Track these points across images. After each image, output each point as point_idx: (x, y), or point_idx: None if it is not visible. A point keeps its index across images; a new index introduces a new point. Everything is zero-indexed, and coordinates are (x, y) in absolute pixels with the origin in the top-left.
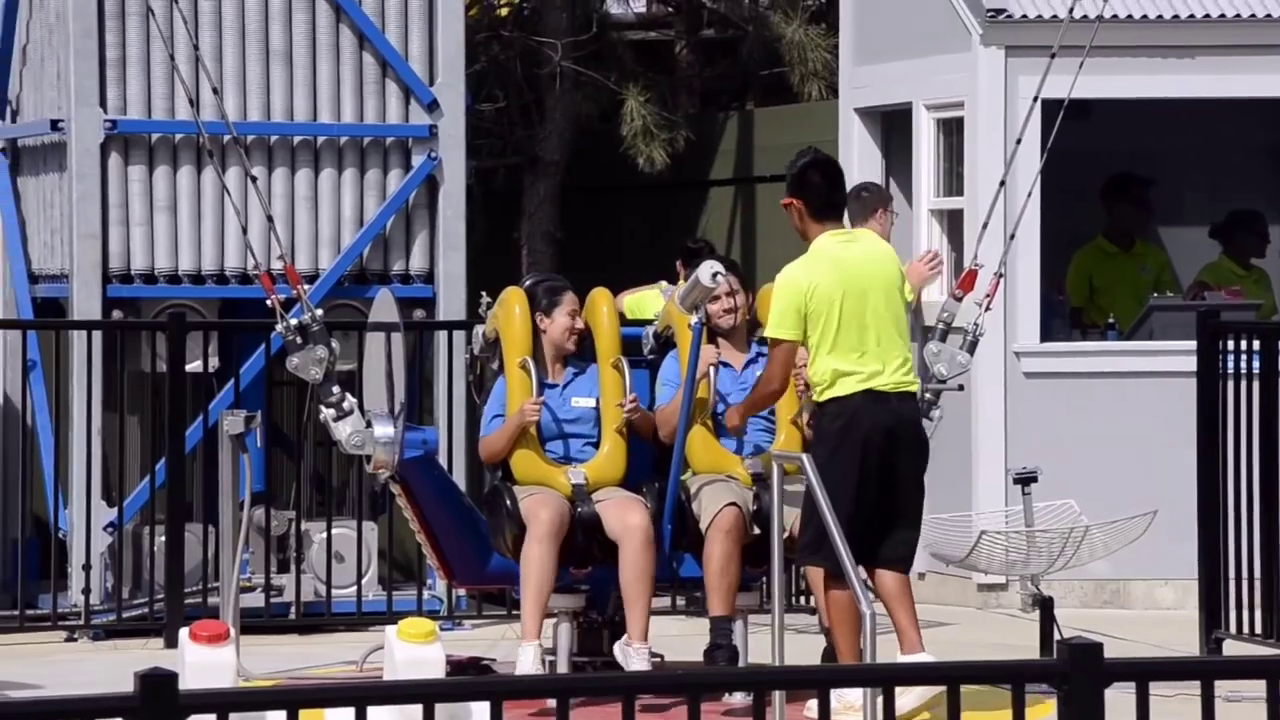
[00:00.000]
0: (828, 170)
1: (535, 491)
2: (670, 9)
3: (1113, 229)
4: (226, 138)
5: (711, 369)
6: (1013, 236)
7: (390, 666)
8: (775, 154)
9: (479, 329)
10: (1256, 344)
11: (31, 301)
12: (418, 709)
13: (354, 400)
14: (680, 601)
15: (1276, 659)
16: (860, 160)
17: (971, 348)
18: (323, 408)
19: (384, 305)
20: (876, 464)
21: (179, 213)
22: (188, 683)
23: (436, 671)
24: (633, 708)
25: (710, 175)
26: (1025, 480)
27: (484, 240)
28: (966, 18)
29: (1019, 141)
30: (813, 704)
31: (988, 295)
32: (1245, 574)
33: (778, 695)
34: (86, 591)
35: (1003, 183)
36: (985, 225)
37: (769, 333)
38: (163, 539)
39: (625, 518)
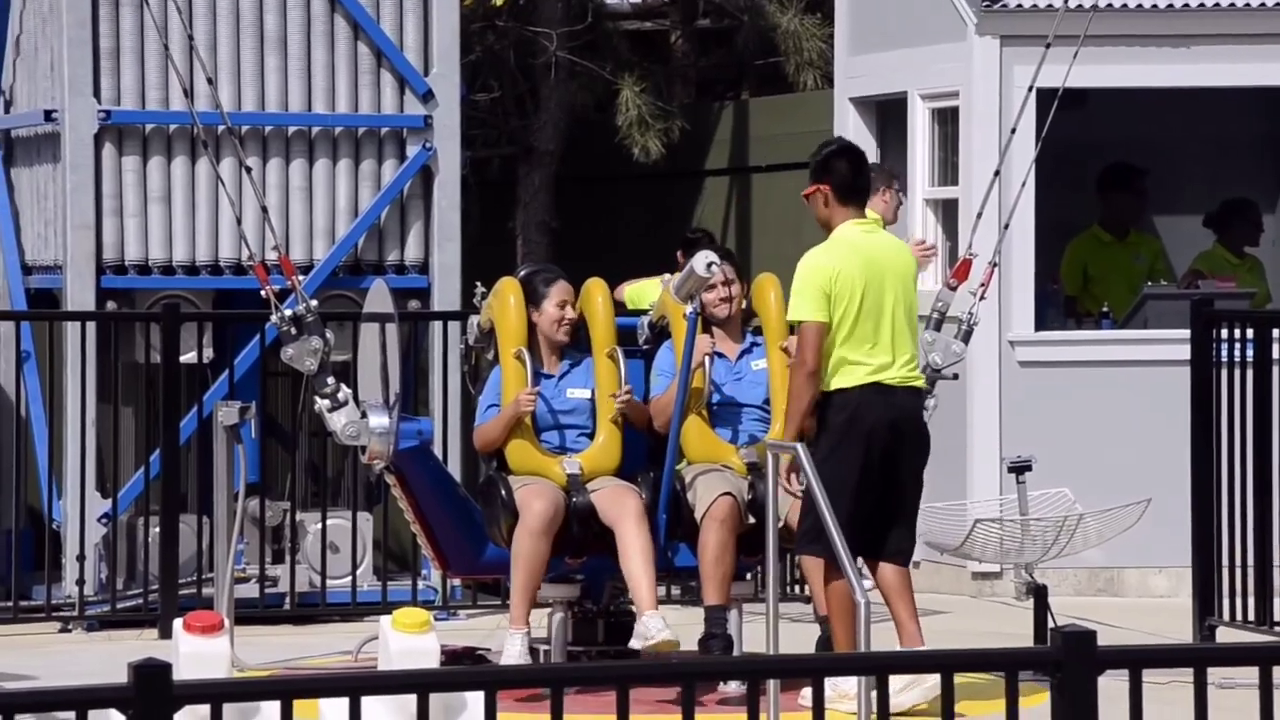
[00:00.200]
0: (853, 157)
1: (530, 482)
2: None
3: (1107, 218)
4: (221, 128)
5: (706, 359)
6: (1007, 226)
7: (385, 657)
8: (770, 144)
9: (474, 319)
10: (1250, 332)
11: (25, 292)
12: (412, 699)
13: (349, 391)
14: (675, 591)
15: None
16: None
17: (966, 337)
18: (317, 398)
19: (379, 296)
20: (880, 458)
21: (173, 203)
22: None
23: (431, 662)
24: (627, 697)
25: (705, 165)
26: (1019, 469)
27: (479, 230)
28: (961, 7)
29: (1014, 131)
30: (807, 692)
31: (982, 284)
32: (1238, 562)
33: (772, 684)
34: (81, 582)
35: (997, 172)
36: (980, 214)
37: (794, 316)
38: (157, 530)
39: (619, 503)
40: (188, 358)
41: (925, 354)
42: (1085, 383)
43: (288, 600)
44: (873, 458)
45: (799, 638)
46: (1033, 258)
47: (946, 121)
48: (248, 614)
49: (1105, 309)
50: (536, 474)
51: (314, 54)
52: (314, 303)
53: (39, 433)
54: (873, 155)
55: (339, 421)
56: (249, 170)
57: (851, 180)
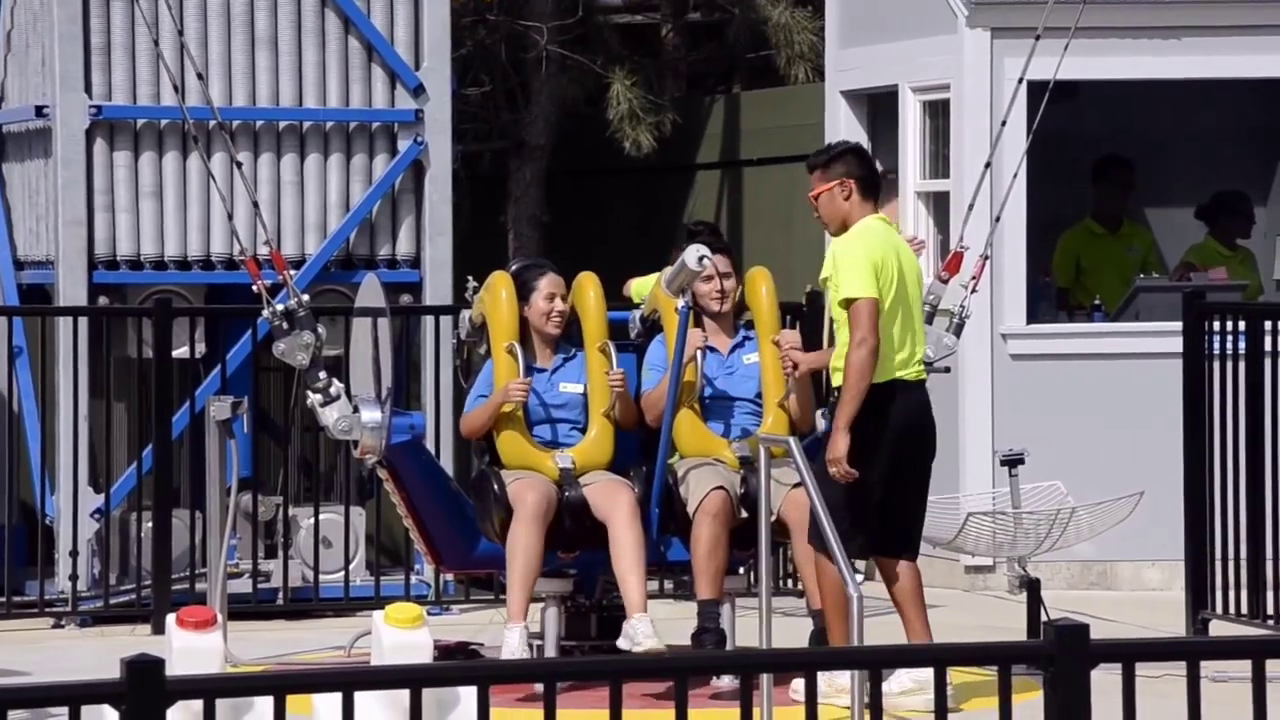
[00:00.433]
0: (867, 154)
1: (522, 475)
2: None
3: (1100, 210)
4: (212, 123)
5: (698, 353)
6: (998, 218)
7: (378, 651)
8: (762, 137)
9: (465, 314)
10: (1242, 325)
11: (17, 288)
12: (405, 694)
13: (341, 385)
14: (668, 585)
15: (1262, 639)
16: None
17: (958, 330)
18: (309, 393)
19: (370, 290)
20: (903, 455)
21: (165, 198)
22: (175, 669)
23: (424, 656)
24: (620, 692)
25: (697, 159)
26: (1012, 462)
27: (470, 225)
28: (952, 0)
29: (1004, 123)
30: (797, 684)
31: (974, 277)
32: (1231, 555)
33: (765, 678)
34: (74, 578)
35: (988, 165)
36: (971, 207)
37: (849, 293)
38: (150, 525)
39: (612, 497)
40: (180, 353)
41: None
42: (1077, 376)
43: (280, 595)
44: (896, 455)
45: (791, 632)
46: (1024, 250)
47: (937, 114)
48: (240, 609)
49: (1097, 301)
50: (529, 468)
51: (305, 49)
52: (306, 297)
53: (31, 428)
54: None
55: (331, 416)
56: (240, 165)
57: (872, 176)
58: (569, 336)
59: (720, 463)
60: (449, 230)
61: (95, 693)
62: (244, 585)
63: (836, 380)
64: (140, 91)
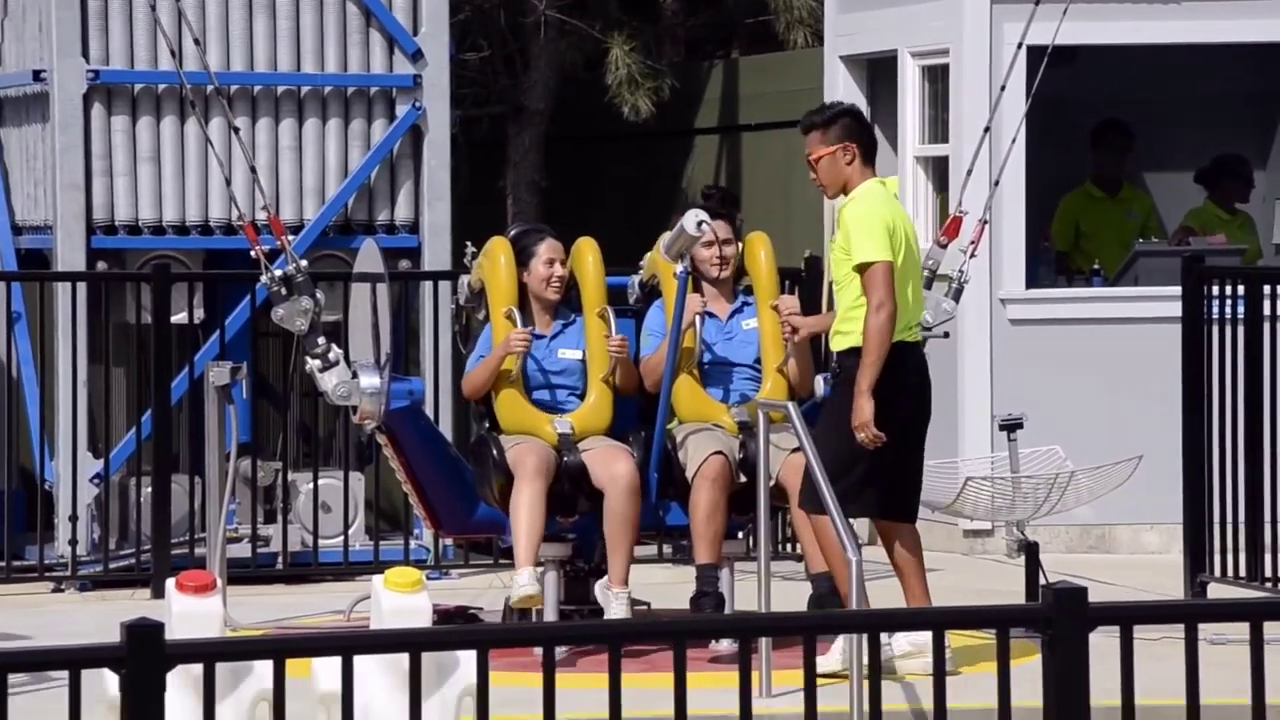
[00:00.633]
0: (865, 117)
1: (521, 440)
2: None
3: (1099, 174)
4: (209, 88)
5: (697, 318)
6: (997, 183)
7: (377, 616)
8: (760, 102)
9: (464, 279)
10: (1241, 289)
11: (15, 253)
12: (404, 658)
13: (339, 351)
14: (667, 550)
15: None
16: None
17: (957, 295)
18: (308, 359)
19: (369, 256)
20: (910, 415)
21: (163, 164)
22: (174, 633)
23: (423, 621)
24: (619, 655)
25: (695, 124)
26: (1011, 426)
27: (469, 190)
28: None
29: (1003, 88)
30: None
31: (973, 242)
32: (1229, 518)
33: (764, 641)
34: (73, 543)
35: (988, 129)
36: (970, 172)
37: (865, 257)
38: (149, 490)
39: (611, 466)
40: (179, 318)
41: None
42: (1076, 340)
43: (280, 560)
44: (906, 414)
45: (791, 596)
46: (1023, 215)
47: (937, 79)
48: (240, 574)
49: (1096, 266)
50: (528, 433)
51: (302, 14)
52: (304, 263)
53: (30, 393)
54: (864, 113)
55: (330, 382)
56: (237, 130)
57: (872, 138)
58: (568, 302)
59: (719, 428)
60: (447, 195)
61: (95, 656)
62: (243, 550)
63: (837, 345)
64: (138, 56)
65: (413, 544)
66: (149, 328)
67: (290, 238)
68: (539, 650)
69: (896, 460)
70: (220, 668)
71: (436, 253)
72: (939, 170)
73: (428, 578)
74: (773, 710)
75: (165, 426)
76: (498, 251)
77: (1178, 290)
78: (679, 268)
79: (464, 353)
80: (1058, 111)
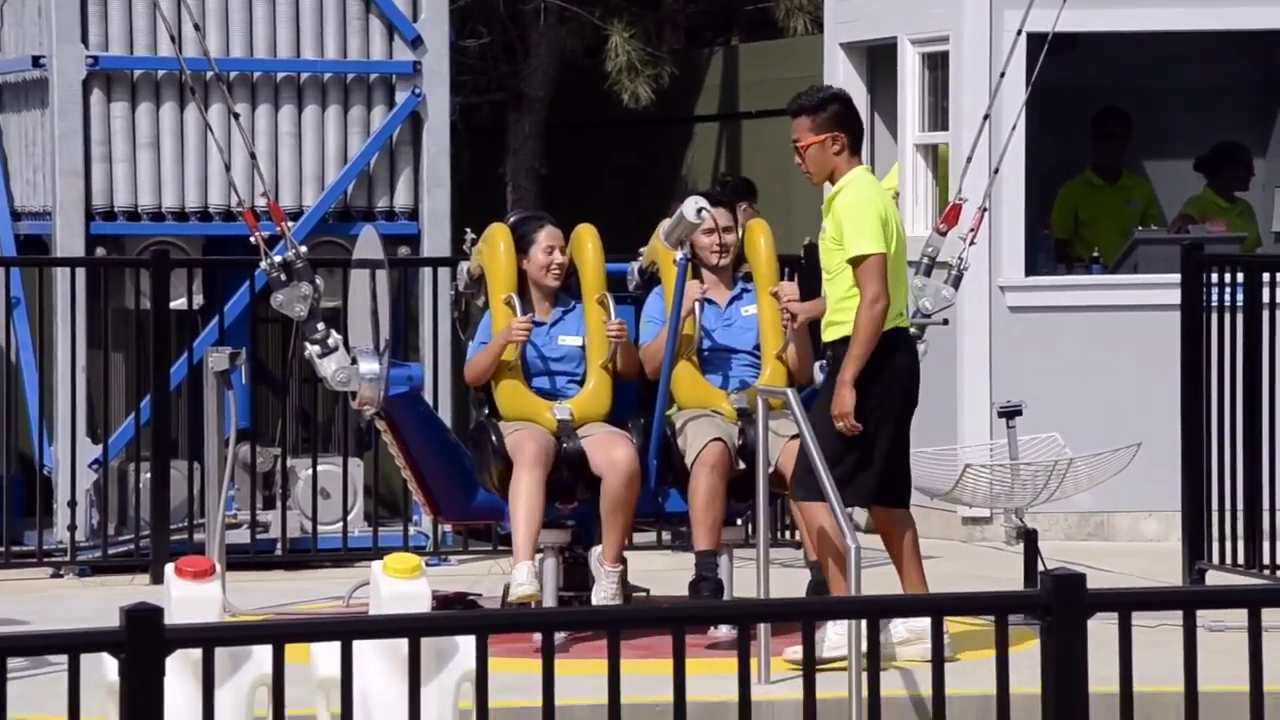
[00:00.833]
0: (854, 104)
1: (520, 427)
2: None
3: (1099, 162)
4: (209, 74)
5: (697, 305)
6: (997, 171)
7: (376, 602)
8: (760, 90)
9: (464, 266)
10: (1240, 277)
11: (15, 239)
12: (403, 643)
13: (339, 337)
14: (666, 536)
15: (1258, 589)
16: None
17: (956, 282)
18: (308, 345)
19: (368, 242)
20: (905, 401)
21: (162, 149)
22: (174, 618)
23: (422, 606)
24: (618, 641)
25: (695, 111)
26: (1010, 413)
27: (468, 177)
28: None
29: (1003, 75)
30: (793, 649)
31: (972, 230)
32: (1228, 505)
33: (763, 628)
34: (72, 528)
35: (987, 116)
36: (969, 159)
37: (860, 250)
38: (148, 476)
39: (610, 452)
40: (178, 304)
41: (915, 299)
42: (1075, 327)
43: (279, 546)
44: (902, 399)
45: (789, 583)
46: (1023, 203)
47: (937, 66)
48: (239, 560)
49: (1096, 254)
50: (527, 420)
51: (302, 0)
52: (303, 249)
53: (29, 379)
54: (863, 101)
55: (329, 367)
56: (237, 116)
57: (860, 128)
58: (567, 289)
59: (718, 414)
60: (447, 182)
61: (94, 641)
62: (242, 536)
63: (830, 335)
64: (137, 42)
65: (412, 530)
66: (148, 313)
67: (290, 224)
68: (538, 636)
69: (890, 447)
70: (219, 653)
71: (436, 239)
72: (939, 157)
73: (427, 564)
74: (771, 696)
75: (164, 412)
76: (497, 238)
77: (1177, 278)
78: (678, 254)
79: (463, 339)
80: (1058, 99)
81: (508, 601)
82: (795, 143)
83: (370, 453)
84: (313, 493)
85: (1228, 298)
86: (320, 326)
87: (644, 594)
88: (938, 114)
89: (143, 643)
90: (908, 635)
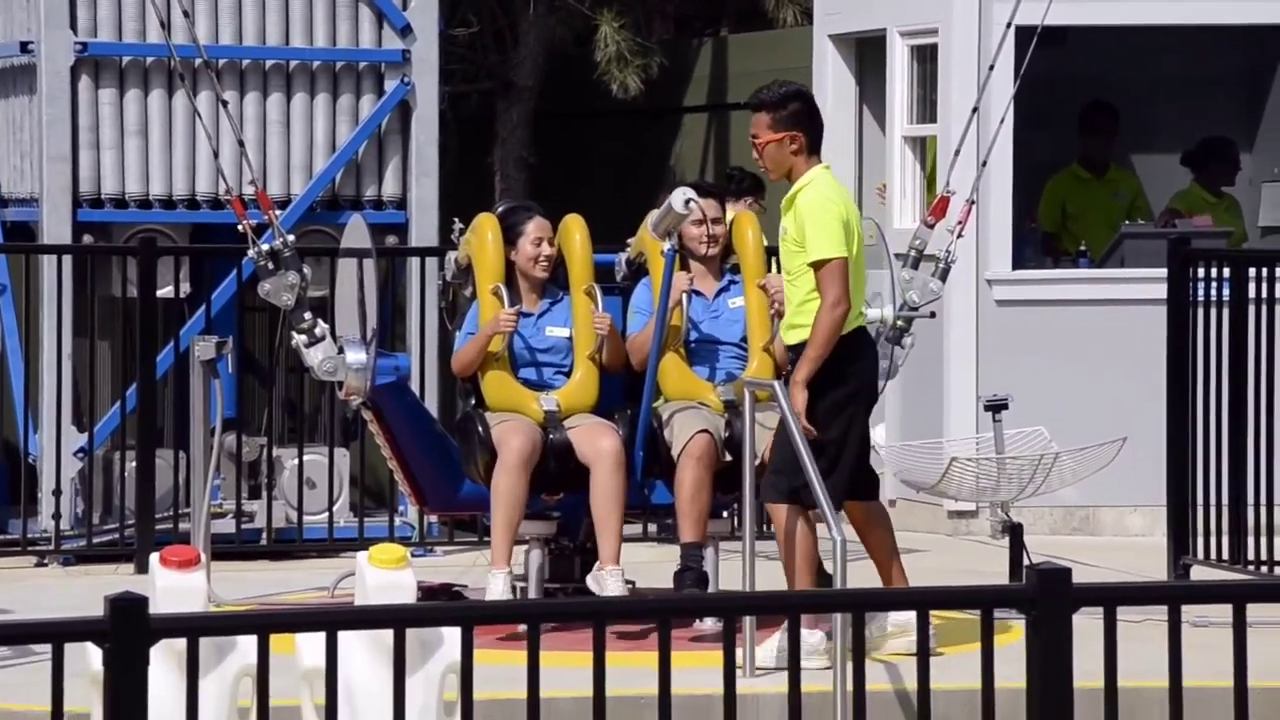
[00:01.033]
0: (816, 106)
1: (507, 418)
2: None
3: (1086, 156)
4: (198, 61)
5: (684, 296)
6: (985, 163)
7: (361, 592)
8: (749, 81)
9: (451, 255)
10: (1226, 271)
11: (1, 225)
12: (389, 634)
13: (326, 326)
14: (651, 528)
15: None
16: (834, 87)
17: (943, 275)
18: (294, 334)
19: (356, 231)
20: (870, 397)
21: (150, 137)
22: (158, 608)
23: (408, 597)
24: (603, 633)
25: (684, 102)
26: (996, 407)
27: (457, 166)
28: None
29: (992, 68)
30: (768, 643)
31: (960, 223)
32: (1213, 500)
33: (748, 621)
34: (57, 517)
35: (976, 109)
36: (958, 152)
37: (822, 254)
38: (133, 464)
39: (596, 442)
40: (164, 292)
41: (903, 292)
42: (1062, 321)
43: (264, 536)
44: (871, 394)
45: (775, 575)
46: (1010, 196)
47: (925, 59)
48: (224, 549)
49: (1083, 248)
50: (514, 410)
51: None
52: (291, 238)
53: (15, 367)
54: (851, 93)
55: (316, 357)
56: (226, 104)
57: (820, 128)
58: (555, 280)
59: (705, 406)
60: (435, 171)
61: (79, 630)
62: (227, 525)
63: (790, 338)
64: (126, 28)
65: (397, 521)
66: (134, 301)
67: (277, 212)
68: (523, 627)
69: (860, 446)
70: (204, 643)
71: (423, 228)
72: (927, 150)
73: (412, 554)
74: (756, 690)
75: (150, 401)
76: (485, 228)
77: (1163, 272)
78: (666, 246)
79: (450, 329)
80: (1046, 92)
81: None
82: (754, 138)
83: (356, 443)
84: (298, 483)
85: (1214, 292)
86: (307, 315)
87: (631, 585)
88: (926, 106)
89: (127, 632)
90: (892, 629)
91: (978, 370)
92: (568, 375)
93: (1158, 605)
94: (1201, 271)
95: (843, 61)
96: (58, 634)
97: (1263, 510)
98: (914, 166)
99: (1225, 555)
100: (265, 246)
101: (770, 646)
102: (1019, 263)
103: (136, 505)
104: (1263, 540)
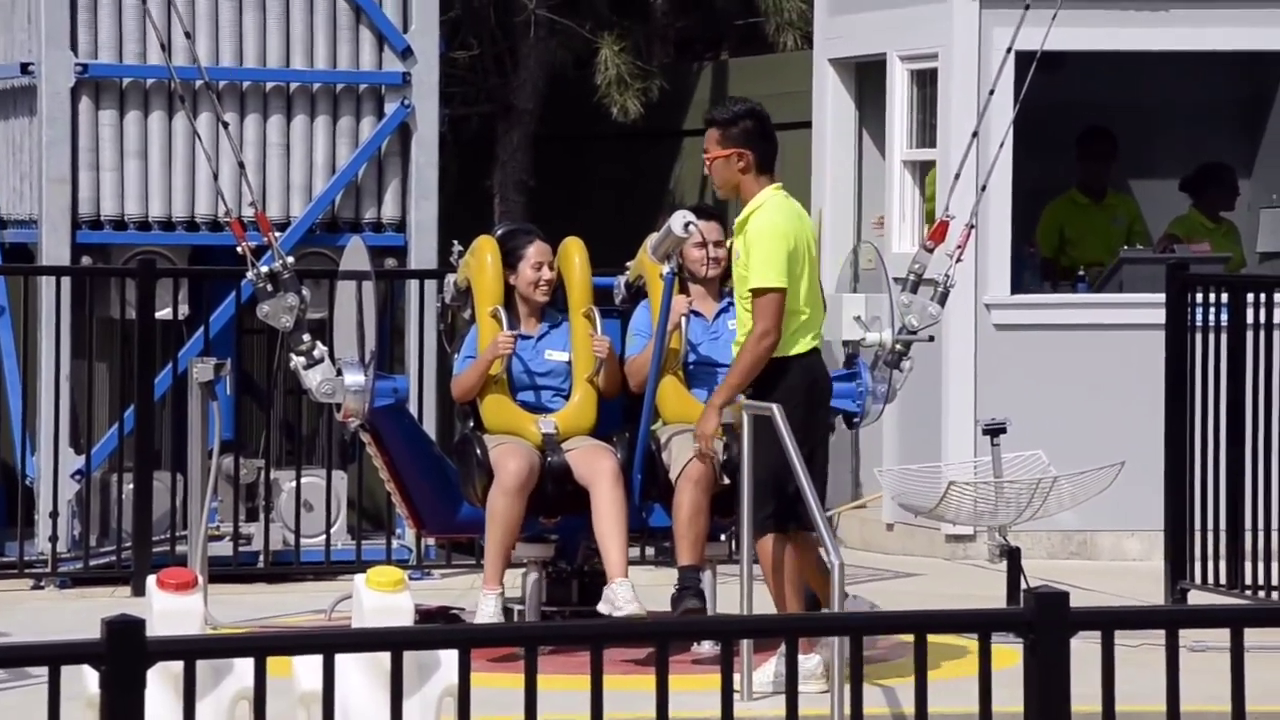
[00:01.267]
0: (770, 126)
1: (505, 441)
2: None
3: (1084, 181)
4: (198, 83)
5: (683, 319)
6: (984, 188)
7: (358, 615)
8: None
9: (450, 278)
10: (1225, 297)
11: (0, 246)
12: (386, 657)
13: (324, 348)
14: (649, 551)
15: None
16: (834, 111)
17: (942, 299)
18: (293, 356)
19: (355, 253)
20: (830, 421)
21: (150, 158)
22: (155, 630)
23: (405, 620)
24: (601, 656)
25: (684, 125)
26: (994, 431)
27: (456, 188)
28: None
29: (992, 93)
30: (766, 666)
31: (959, 246)
32: (1210, 525)
33: (745, 644)
34: (54, 539)
35: (975, 134)
36: (957, 176)
37: (763, 283)
38: (131, 487)
39: (595, 463)
40: (163, 314)
41: (901, 316)
42: (1060, 346)
43: (261, 558)
44: (828, 420)
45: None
46: (1009, 220)
47: (925, 83)
48: (221, 572)
49: (1081, 272)
50: (512, 433)
51: (292, 9)
52: (290, 259)
53: (12, 388)
54: (851, 117)
55: (314, 379)
56: (226, 126)
57: (770, 148)
58: (554, 303)
59: None
60: (435, 194)
61: (75, 653)
62: (225, 548)
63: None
64: (127, 50)
65: (395, 543)
66: (133, 323)
67: (277, 234)
68: (520, 650)
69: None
70: (201, 665)
71: (423, 251)
72: (926, 174)
73: (410, 577)
74: (754, 713)
75: (148, 423)
76: (484, 250)
77: (1162, 297)
78: (665, 269)
79: (449, 351)
80: (1045, 117)
81: None
82: (705, 153)
83: (354, 465)
84: (296, 505)
85: (1212, 318)
86: (306, 338)
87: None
88: (926, 131)
89: (124, 655)
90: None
91: (976, 394)
92: (566, 398)
93: (1155, 629)
94: (1200, 297)
95: (843, 86)
96: (54, 656)
97: (1260, 535)
98: (913, 191)
99: (1223, 580)
100: (264, 268)
101: (768, 670)
102: (1017, 287)
103: (134, 527)
104: (1260, 565)
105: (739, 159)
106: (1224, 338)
